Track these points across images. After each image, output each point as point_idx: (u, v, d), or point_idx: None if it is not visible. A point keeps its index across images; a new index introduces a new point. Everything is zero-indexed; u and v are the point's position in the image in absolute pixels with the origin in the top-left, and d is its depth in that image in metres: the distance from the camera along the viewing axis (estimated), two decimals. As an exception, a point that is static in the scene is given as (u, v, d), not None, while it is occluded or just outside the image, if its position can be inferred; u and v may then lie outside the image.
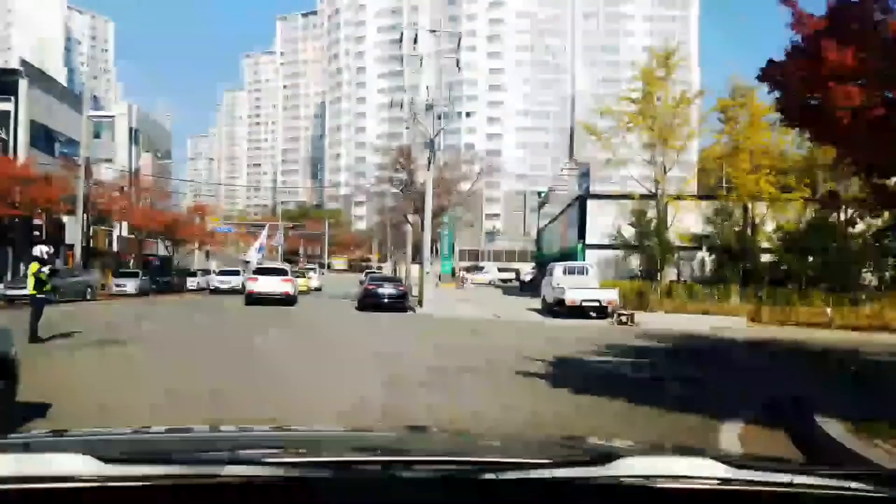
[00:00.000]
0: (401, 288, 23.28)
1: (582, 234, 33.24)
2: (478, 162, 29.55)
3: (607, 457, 1.25)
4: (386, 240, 71.87)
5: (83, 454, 1.10)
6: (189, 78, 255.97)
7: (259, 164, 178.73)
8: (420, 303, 24.24)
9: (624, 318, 18.81)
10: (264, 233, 48.84)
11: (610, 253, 32.16)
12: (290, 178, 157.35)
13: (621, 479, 1.18)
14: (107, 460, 1.08)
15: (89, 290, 27.16)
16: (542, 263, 55.51)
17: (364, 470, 1.21)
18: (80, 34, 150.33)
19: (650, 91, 29.67)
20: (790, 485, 1.21)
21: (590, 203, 33.35)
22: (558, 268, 22.76)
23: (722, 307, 19.60)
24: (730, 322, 18.04)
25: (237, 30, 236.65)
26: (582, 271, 22.74)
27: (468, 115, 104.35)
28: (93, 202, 35.62)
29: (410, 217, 30.17)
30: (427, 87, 24.88)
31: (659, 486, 1.17)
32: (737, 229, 30.68)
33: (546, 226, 52.41)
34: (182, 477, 1.09)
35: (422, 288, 24.31)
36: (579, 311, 20.45)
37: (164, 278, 38.69)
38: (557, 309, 21.08)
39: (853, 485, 1.22)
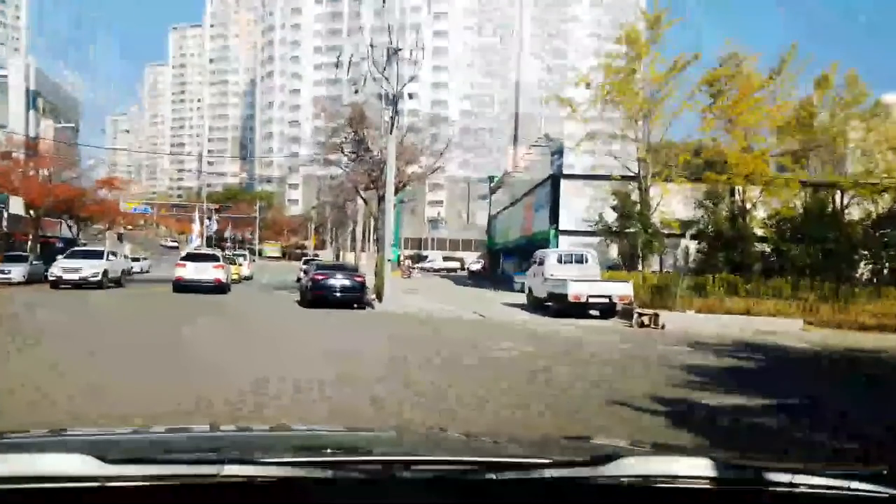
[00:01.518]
0: (357, 279, 18.83)
1: (555, 218, 29.59)
2: (447, 129, 25.03)
3: (607, 457, 1.22)
4: (326, 223, 66.72)
5: (83, 454, 1.07)
6: (114, 54, 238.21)
7: (183, 144, 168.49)
8: (379, 297, 19.88)
9: (646, 320, 15.08)
10: (199, 218, 43.18)
11: (586, 240, 28.61)
12: (218, 159, 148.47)
13: (621, 479, 1.16)
14: (106, 460, 1.07)
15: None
16: (495, 252, 51.98)
17: (364, 470, 1.18)
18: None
19: (638, 56, 26.14)
20: (790, 485, 1.19)
21: (564, 184, 29.71)
22: (551, 255, 18.81)
23: (766, 305, 16.11)
24: (780, 324, 14.62)
25: (167, 4, 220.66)
26: (581, 259, 18.88)
27: (411, 96, 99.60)
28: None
29: (364, 193, 25.62)
30: (389, 28, 20.35)
31: (659, 486, 1.16)
32: (726, 213, 27.69)
33: (500, 212, 48.82)
34: (182, 477, 1.07)
35: (382, 279, 19.90)
36: (578, 310, 16.67)
37: (63, 264, 32.62)
38: (555, 306, 17.18)
39: (853, 485, 1.21)
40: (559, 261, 18.57)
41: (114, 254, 27.29)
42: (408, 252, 68.60)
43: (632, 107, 27.22)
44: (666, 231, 27.07)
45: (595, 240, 28.39)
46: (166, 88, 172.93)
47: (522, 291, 29.80)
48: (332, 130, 24.21)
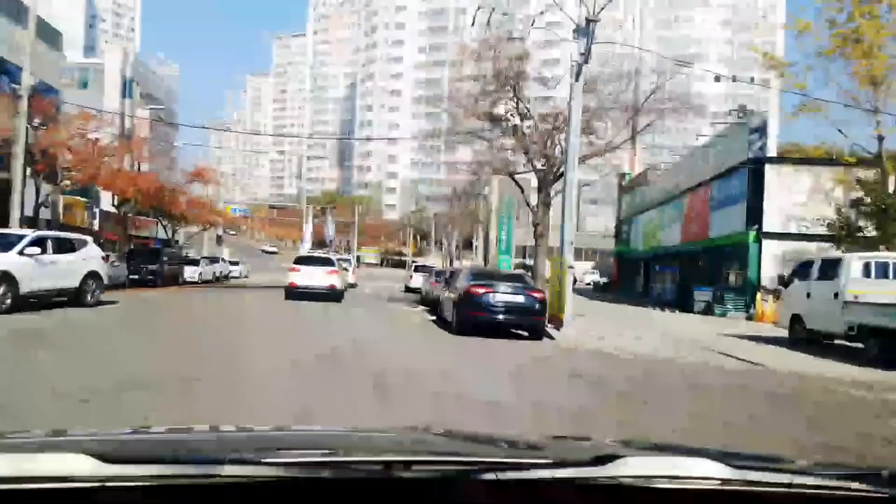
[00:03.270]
0: (535, 294, 12.53)
1: (755, 216, 22.32)
2: (657, 77, 18.17)
3: (607, 457, 1.21)
4: (431, 227, 61.48)
5: (82, 454, 1.06)
6: (219, 65, 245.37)
7: (283, 151, 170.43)
8: (556, 322, 13.53)
9: None
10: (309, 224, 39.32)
11: (799, 245, 21.21)
12: (316, 164, 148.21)
13: (621, 479, 1.16)
14: (106, 460, 1.05)
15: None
16: (632, 261, 44.73)
17: (364, 470, 1.16)
18: (104, 10, 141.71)
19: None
20: (790, 485, 1.19)
21: (770, 170, 22.40)
22: (853, 264, 11.77)
23: None
24: None
25: (270, 13, 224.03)
26: (902, 269, 11.82)
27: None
28: (55, 160, 25.44)
29: (520, 169, 19.18)
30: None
31: (659, 486, 1.16)
32: None
33: (637, 214, 41.59)
34: (182, 477, 1.06)
35: (563, 296, 13.38)
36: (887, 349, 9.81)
37: (151, 266, 28.50)
38: (875, 348, 10.30)
39: (853, 485, 1.21)
40: (867, 272, 11.57)
41: (67, 244, 14.95)
42: (513, 261, 62.53)
43: (876, 63, 19.70)
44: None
45: (809, 246, 20.92)
46: (267, 97, 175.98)
47: (709, 312, 22.68)
48: (482, 86, 17.82)
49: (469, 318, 12.36)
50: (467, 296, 12.43)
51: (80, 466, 1.04)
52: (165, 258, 30.38)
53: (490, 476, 1.14)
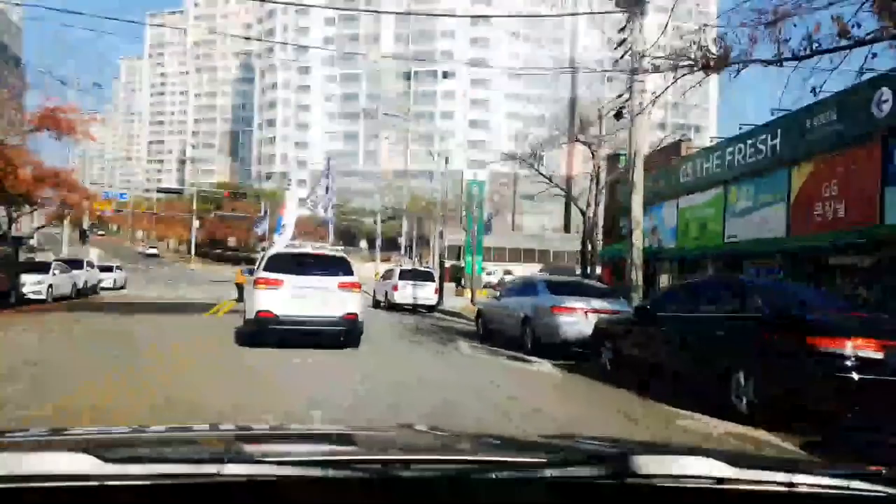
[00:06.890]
0: None
1: None
2: None
3: (607, 457, 1.21)
4: (377, 223, 49.83)
5: (82, 453, 1.06)
6: (90, 44, 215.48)
7: (162, 141, 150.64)
8: None
9: None
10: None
11: None
12: (203, 155, 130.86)
13: (621, 478, 1.15)
14: (106, 459, 1.05)
15: None
16: (649, 264, 35.46)
17: (363, 469, 1.16)
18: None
19: None
20: (790, 484, 1.19)
21: None
22: None
23: None
24: None
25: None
26: None
27: (445, 75, 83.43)
28: None
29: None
30: None
31: (659, 485, 1.16)
32: None
33: (665, 199, 32.23)
34: (181, 476, 1.06)
35: None
36: None
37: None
38: None
39: (853, 484, 1.21)
40: None
41: None
42: (493, 266, 52.00)
43: None
44: None
45: None
46: (143, 81, 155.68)
47: None
48: None
49: None
50: None
51: (80, 465, 1.03)
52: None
53: (490, 476, 1.13)
